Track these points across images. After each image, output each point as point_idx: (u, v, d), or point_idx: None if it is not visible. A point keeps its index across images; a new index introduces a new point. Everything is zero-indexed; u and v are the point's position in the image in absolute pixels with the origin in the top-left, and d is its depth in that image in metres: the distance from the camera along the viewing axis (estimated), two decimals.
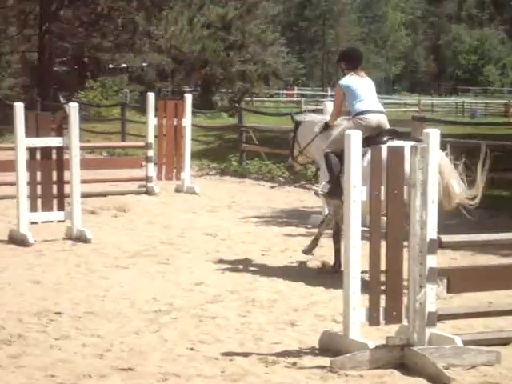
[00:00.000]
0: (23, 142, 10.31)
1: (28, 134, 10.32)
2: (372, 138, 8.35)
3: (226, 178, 18.08)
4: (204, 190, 15.27)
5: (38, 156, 10.55)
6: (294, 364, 5.89)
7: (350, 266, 5.93)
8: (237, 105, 23.49)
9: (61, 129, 10.69)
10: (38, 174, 10.56)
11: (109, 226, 11.61)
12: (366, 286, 5.96)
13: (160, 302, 7.60)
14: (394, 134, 8.80)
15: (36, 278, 8.50)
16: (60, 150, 10.67)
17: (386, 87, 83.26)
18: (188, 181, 15.42)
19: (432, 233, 5.84)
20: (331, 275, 8.56)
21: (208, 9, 39.16)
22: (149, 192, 14.83)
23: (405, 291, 6.00)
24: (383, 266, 5.95)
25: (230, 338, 6.55)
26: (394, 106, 56.63)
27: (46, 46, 34.04)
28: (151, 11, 34.37)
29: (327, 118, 9.47)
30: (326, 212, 9.68)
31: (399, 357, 5.84)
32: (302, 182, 15.65)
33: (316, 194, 9.19)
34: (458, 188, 8.00)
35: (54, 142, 10.54)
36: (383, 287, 5.95)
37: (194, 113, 16.95)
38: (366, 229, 6.00)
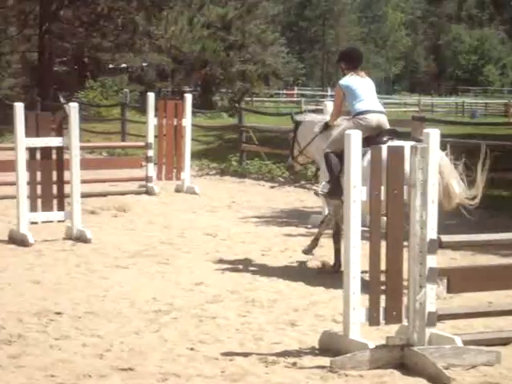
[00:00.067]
0: (23, 141, 10.30)
1: (28, 134, 10.32)
2: (372, 138, 8.35)
3: (226, 178, 18.08)
4: (204, 190, 15.27)
5: (38, 156, 10.55)
6: (294, 364, 5.90)
7: (350, 266, 5.93)
8: (237, 105, 23.50)
9: (61, 129, 10.69)
10: (38, 173, 10.56)
11: (109, 226, 11.61)
12: (365, 286, 5.96)
13: (160, 302, 7.60)
14: (394, 134, 8.80)
15: (36, 277, 8.50)
16: (60, 150, 10.67)
17: (386, 87, 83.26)
18: (188, 181, 15.42)
19: (432, 233, 5.85)
20: (331, 275, 8.56)
21: (208, 9, 39.17)
22: (149, 192, 14.83)
23: (405, 291, 6.00)
24: (383, 266, 5.96)
25: (230, 337, 6.55)
26: (394, 105, 56.64)
27: (46, 46, 34.05)
28: (151, 11, 34.38)
29: (327, 118, 9.47)
30: (326, 212, 9.68)
31: (399, 357, 5.84)
32: (302, 182, 15.66)
33: (316, 194, 9.20)
34: (458, 188, 8.00)
35: (54, 141, 10.54)
36: (383, 287, 5.95)
37: (194, 113, 16.95)
38: (365, 229, 6.00)
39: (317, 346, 6.22)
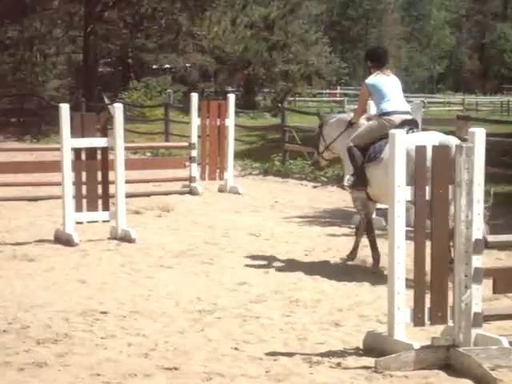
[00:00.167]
0: (69, 142, 10.39)
1: (73, 134, 10.40)
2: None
3: (269, 178, 18.09)
4: (247, 190, 15.29)
5: (84, 156, 10.65)
6: (339, 364, 5.88)
7: (395, 266, 5.90)
8: (279, 105, 23.52)
9: (106, 129, 10.78)
10: (84, 174, 10.65)
11: (153, 225, 11.67)
12: (410, 287, 5.93)
13: (204, 301, 7.63)
14: (415, 125, 8.87)
15: (81, 277, 8.58)
16: (105, 151, 10.75)
17: (429, 86, 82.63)
18: (231, 181, 15.45)
19: (477, 233, 5.80)
20: (375, 275, 8.55)
21: (251, 9, 39.18)
22: (192, 192, 14.88)
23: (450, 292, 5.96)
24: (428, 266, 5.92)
25: (274, 337, 6.55)
26: (438, 105, 56.21)
27: (91, 48, 34.35)
28: (194, 12, 34.49)
29: (352, 115, 9.56)
30: (357, 219, 9.76)
31: (444, 357, 5.80)
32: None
33: (342, 187, 9.33)
34: None
35: (98, 142, 10.62)
36: (428, 287, 5.92)
37: (236, 113, 17.00)
38: (410, 229, 5.97)
39: (361, 347, 6.20)
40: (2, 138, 27.42)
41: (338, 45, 72.89)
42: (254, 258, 9.58)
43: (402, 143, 5.93)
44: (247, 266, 9.20)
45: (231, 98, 15.64)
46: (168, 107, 24.54)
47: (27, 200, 13.68)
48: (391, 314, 5.94)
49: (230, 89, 41.44)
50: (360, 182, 8.86)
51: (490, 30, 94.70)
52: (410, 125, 8.76)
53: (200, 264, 9.25)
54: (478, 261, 5.82)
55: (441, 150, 6.03)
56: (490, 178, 7.25)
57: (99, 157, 10.76)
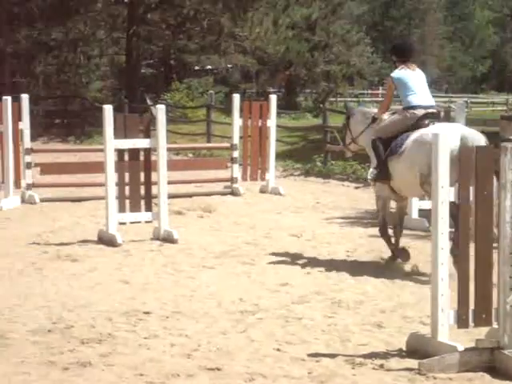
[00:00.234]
0: (112, 143, 10.46)
1: (116, 135, 10.47)
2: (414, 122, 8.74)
3: (311, 179, 18.07)
4: (288, 191, 15.28)
5: (126, 157, 10.71)
6: (382, 366, 5.85)
7: (438, 268, 5.86)
8: (321, 105, 23.47)
9: (148, 130, 10.84)
10: (126, 175, 10.71)
11: (195, 226, 11.71)
12: (454, 288, 5.89)
13: (246, 302, 7.63)
14: (436, 117, 8.94)
15: (124, 277, 8.63)
16: (147, 152, 10.80)
17: (472, 86, 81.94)
18: (273, 181, 15.46)
19: None
20: (417, 276, 8.50)
21: (293, 9, 39.12)
22: (234, 193, 14.91)
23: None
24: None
25: (317, 338, 6.54)
26: (482, 105, 55.68)
27: (134, 49, 34.52)
28: (236, 13, 34.53)
29: (376, 110, 9.72)
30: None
31: (489, 360, 5.75)
32: None
33: (368, 181, 9.43)
34: None
35: (141, 143, 10.68)
36: (472, 289, 5.87)
37: (278, 114, 16.98)
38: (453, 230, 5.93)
39: (404, 348, 6.17)
40: (46, 139, 27.69)
41: (380, 45, 72.45)
42: (295, 258, 9.58)
43: (446, 144, 5.89)
44: (289, 266, 9.20)
45: (273, 98, 15.64)
46: (210, 108, 24.61)
47: (71, 201, 13.82)
48: (435, 316, 5.90)
49: (271, 89, 41.41)
50: (383, 174, 8.97)
51: None
52: (432, 118, 8.87)
53: (242, 265, 9.27)
54: None
55: (486, 151, 5.98)
56: None
57: (142, 158, 10.81)
